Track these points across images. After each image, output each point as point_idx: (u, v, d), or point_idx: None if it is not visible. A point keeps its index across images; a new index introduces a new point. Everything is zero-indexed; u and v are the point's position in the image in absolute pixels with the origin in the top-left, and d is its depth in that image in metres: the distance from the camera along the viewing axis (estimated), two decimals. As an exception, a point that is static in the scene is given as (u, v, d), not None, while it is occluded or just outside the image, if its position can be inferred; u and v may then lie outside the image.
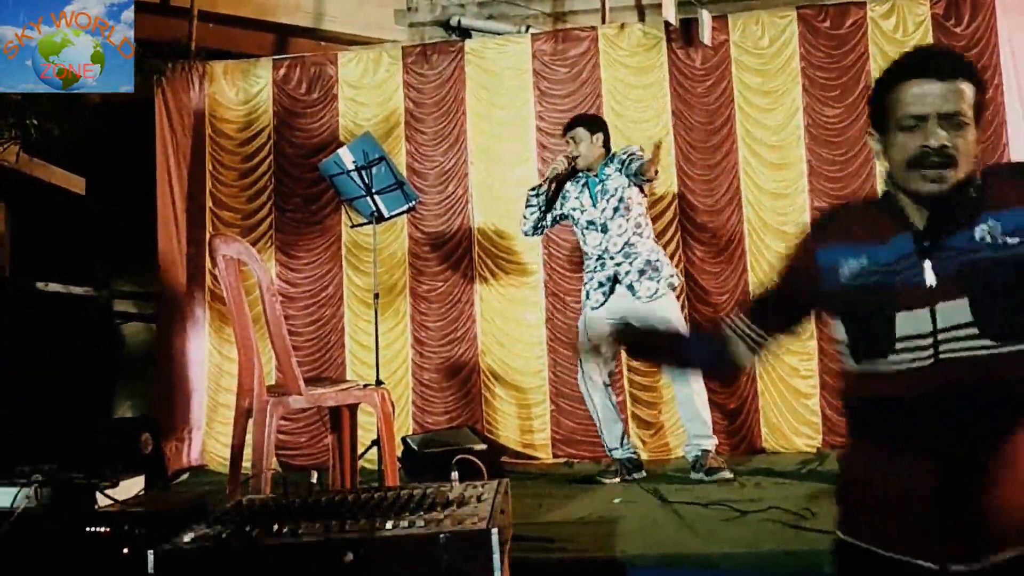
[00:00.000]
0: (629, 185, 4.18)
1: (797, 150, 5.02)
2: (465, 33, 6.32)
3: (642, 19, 6.04)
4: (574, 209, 4.30)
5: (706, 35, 5.03)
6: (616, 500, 3.72)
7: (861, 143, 4.97)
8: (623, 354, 4.95)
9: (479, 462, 2.89)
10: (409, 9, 6.65)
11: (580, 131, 4.28)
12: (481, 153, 5.30)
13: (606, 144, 4.30)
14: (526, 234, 4.43)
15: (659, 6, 5.25)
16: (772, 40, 5.11)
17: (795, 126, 5.05)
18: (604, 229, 4.19)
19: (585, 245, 4.30)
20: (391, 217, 4.51)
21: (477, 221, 5.27)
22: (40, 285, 5.38)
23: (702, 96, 5.14)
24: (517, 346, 5.19)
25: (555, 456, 5.02)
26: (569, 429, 5.04)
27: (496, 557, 1.65)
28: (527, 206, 4.34)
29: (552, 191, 4.32)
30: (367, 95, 5.44)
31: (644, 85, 5.17)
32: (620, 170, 4.17)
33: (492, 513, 1.77)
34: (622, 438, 4.30)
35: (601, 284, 4.20)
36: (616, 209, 4.18)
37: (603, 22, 5.56)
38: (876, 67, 5.01)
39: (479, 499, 1.91)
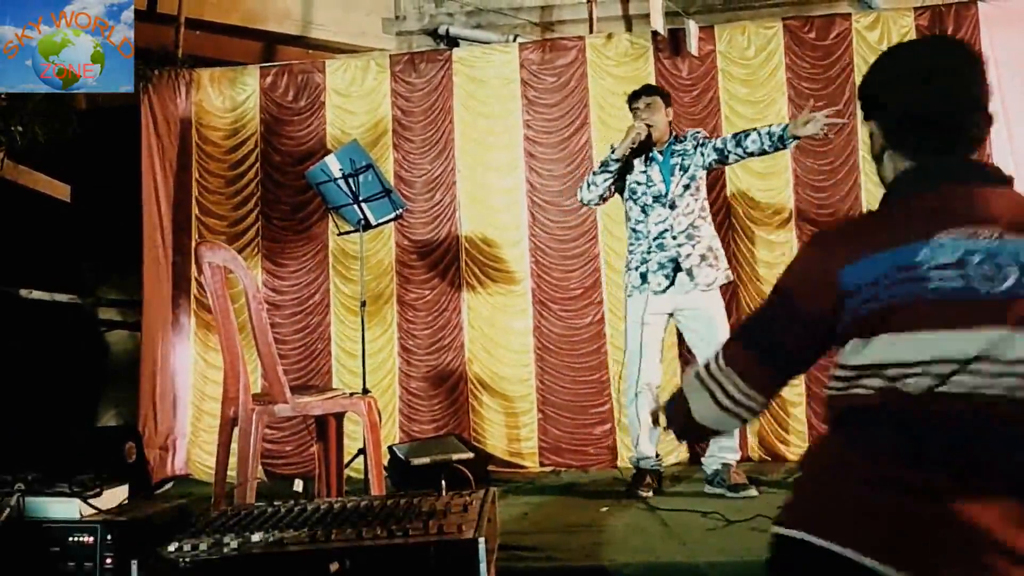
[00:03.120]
0: (702, 166, 4.01)
1: (783, 159, 5.05)
2: (453, 42, 6.34)
3: (629, 29, 6.08)
4: (638, 183, 4.04)
5: (693, 45, 5.06)
6: (603, 509, 3.72)
7: (847, 153, 5.01)
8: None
9: (466, 471, 2.89)
10: (397, 18, 6.66)
11: (656, 99, 4.08)
12: (469, 161, 5.31)
13: (670, 123, 4.13)
14: (588, 203, 4.16)
15: (646, 16, 5.29)
16: (758, 50, 5.15)
17: (781, 136, 5.07)
18: (672, 206, 3.97)
19: (642, 224, 4.04)
20: (378, 225, 4.50)
21: (465, 229, 5.27)
22: (24, 292, 5.34)
23: (689, 106, 5.17)
24: (504, 354, 5.19)
25: (542, 465, 5.02)
26: (556, 438, 5.04)
27: (483, 566, 1.64)
28: (601, 171, 4.04)
29: (628, 157, 4.03)
30: (355, 103, 5.44)
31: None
32: (696, 148, 4.00)
33: (479, 522, 1.76)
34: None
35: (662, 266, 3.96)
36: (687, 187, 3.99)
37: (591, 32, 5.58)
38: (860, 78, 5.04)
39: (466, 508, 1.91)
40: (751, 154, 3.97)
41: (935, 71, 1.36)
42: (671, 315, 4.06)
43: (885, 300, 1.24)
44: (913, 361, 1.22)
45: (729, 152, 3.98)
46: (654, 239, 3.99)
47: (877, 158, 1.43)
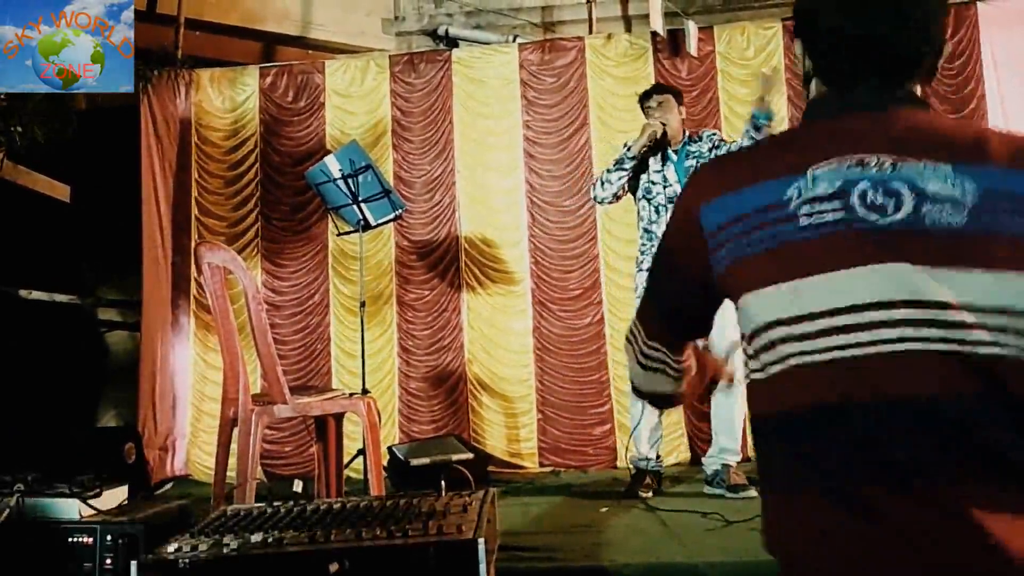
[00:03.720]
0: None
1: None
2: (452, 42, 6.34)
3: (629, 29, 6.08)
4: (653, 183, 4.01)
5: (692, 46, 5.06)
6: (603, 509, 3.72)
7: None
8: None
9: (466, 471, 2.89)
10: (397, 18, 6.66)
11: (669, 97, 4.05)
12: (468, 162, 5.31)
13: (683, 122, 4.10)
14: (602, 201, 4.10)
15: (646, 17, 5.29)
16: (758, 51, 5.15)
17: (780, 136, 5.08)
18: None
19: (655, 224, 3.99)
20: (378, 225, 4.50)
21: (464, 230, 5.27)
22: (23, 293, 5.34)
23: (688, 106, 5.14)
24: (504, 355, 5.19)
25: (542, 465, 5.02)
26: (556, 438, 5.04)
27: (483, 567, 1.64)
28: (616, 169, 3.99)
29: (644, 155, 3.99)
30: (354, 103, 5.44)
31: (631, 95, 5.15)
32: (711, 151, 3.96)
33: (479, 522, 1.76)
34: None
35: None
36: None
37: (590, 32, 5.59)
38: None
39: (465, 508, 1.91)
40: None
41: None
42: None
43: (744, 248, 1.03)
44: (799, 315, 0.99)
45: None
46: None
47: (805, 83, 1.24)
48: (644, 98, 4.16)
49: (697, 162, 3.96)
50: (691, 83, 5.18)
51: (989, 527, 0.90)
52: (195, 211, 5.43)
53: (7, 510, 2.52)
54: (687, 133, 4.12)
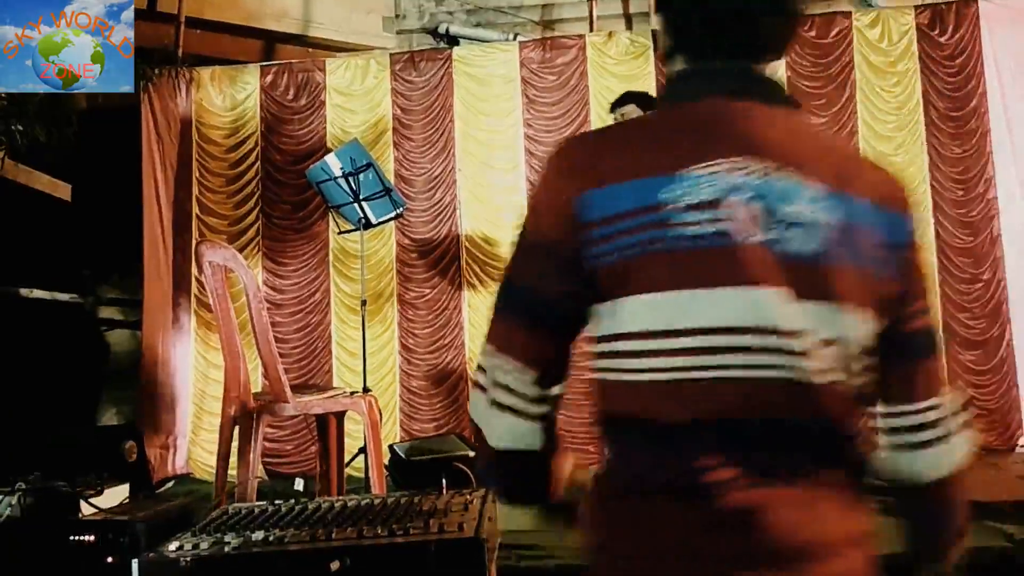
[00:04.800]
0: None
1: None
2: (453, 40, 6.34)
3: (630, 28, 6.07)
4: None
5: (693, 44, 5.05)
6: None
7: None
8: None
9: (467, 469, 2.89)
10: (397, 16, 6.65)
11: (633, 108, 4.01)
12: (469, 160, 5.31)
13: None
14: None
15: (647, 14, 5.29)
16: (758, 49, 5.14)
17: (781, 134, 5.07)
18: None
19: None
20: (379, 224, 4.50)
21: (465, 228, 5.27)
22: (25, 292, 5.34)
23: (689, 104, 5.16)
24: (505, 353, 5.18)
25: (543, 463, 5.01)
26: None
27: (484, 565, 1.64)
28: None
29: None
30: (355, 102, 5.44)
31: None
32: None
33: (480, 521, 1.76)
34: None
35: None
36: None
37: (591, 30, 5.58)
38: (861, 76, 5.05)
39: (466, 507, 1.91)
40: None
41: None
42: None
43: (632, 248, 0.96)
44: (658, 330, 0.96)
45: None
46: None
47: (663, 59, 1.12)
48: (611, 109, 4.21)
49: None
50: (692, 81, 5.17)
51: (800, 523, 0.94)
52: (196, 209, 5.43)
53: (9, 509, 2.53)
54: None
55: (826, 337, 0.95)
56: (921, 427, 1.04)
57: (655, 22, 1.15)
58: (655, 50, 5.18)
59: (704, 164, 0.96)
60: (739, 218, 0.94)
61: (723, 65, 1.03)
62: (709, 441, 0.95)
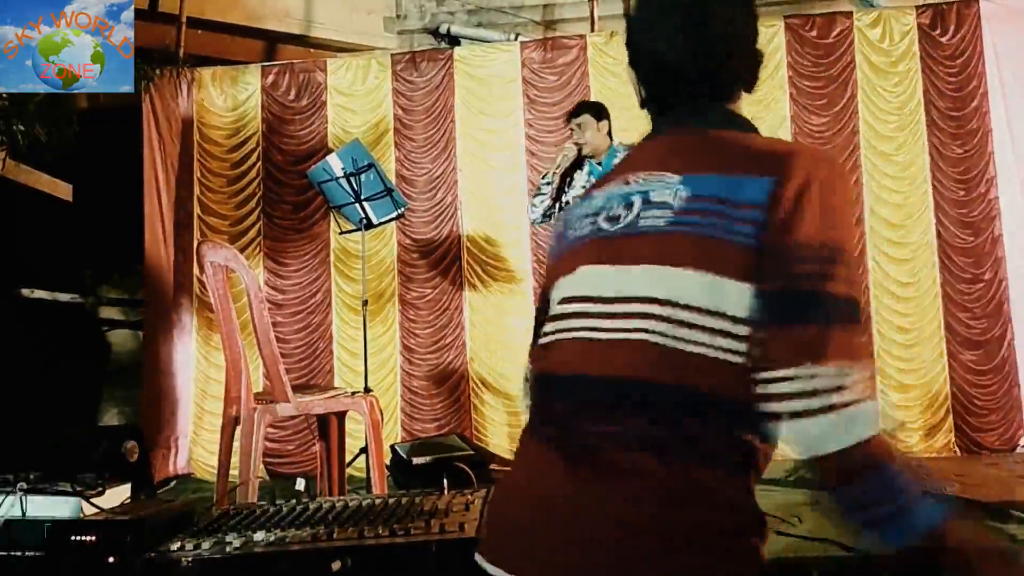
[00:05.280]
0: None
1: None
2: (454, 41, 6.34)
3: (631, 27, 6.06)
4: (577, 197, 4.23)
5: (694, 44, 5.05)
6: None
7: (848, 151, 5.00)
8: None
9: (468, 469, 2.88)
10: (398, 16, 6.66)
11: (586, 117, 4.19)
12: (470, 160, 5.31)
13: (610, 132, 4.25)
14: (535, 222, 4.34)
15: (647, 15, 5.27)
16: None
17: (782, 134, 5.07)
18: None
19: None
20: (380, 224, 4.50)
21: (466, 228, 5.27)
22: (26, 292, 5.35)
23: (690, 104, 5.17)
24: (506, 353, 5.19)
25: (544, 463, 5.01)
26: (558, 436, 5.04)
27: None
28: (538, 195, 4.26)
29: (561, 179, 4.23)
30: (356, 102, 5.44)
31: (632, 93, 5.17)
32: None
33: (481, 521, 1.76)
34: None
35: None
36: None
37: (592, 30, 5.58)
38: (863, 76, 5.05)
39: (468, 507, 1.91)
40: None
41: (658, 13, 1.21)
42: None
43: (553, 255, 1.26)
44: (559, 300, 1.18)
45: None
46: None
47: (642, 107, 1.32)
48: (566, 120, 4.34)
49: None
50: (693, 81, 5.17)
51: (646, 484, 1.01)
52: (197, 209, 5.43)
53: (10, 509, 2.53)
54: (618, 141, 4.24)
55: (677, 301, 1.04)
56: (795, 395, 1.00)
57: (630, 76, 1.32)
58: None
59: (605, 184, 1.20)
60: (614, 216, 1.14)
61: (673, 110, 1.22)
62: (569, 392, 1.10)
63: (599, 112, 4.28)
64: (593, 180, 4.15)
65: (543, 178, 4.28)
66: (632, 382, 1.04)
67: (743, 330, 1.02)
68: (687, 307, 1.03)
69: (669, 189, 1.10)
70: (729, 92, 1.21)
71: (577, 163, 4.21)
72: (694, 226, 1.05)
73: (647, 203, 1.11)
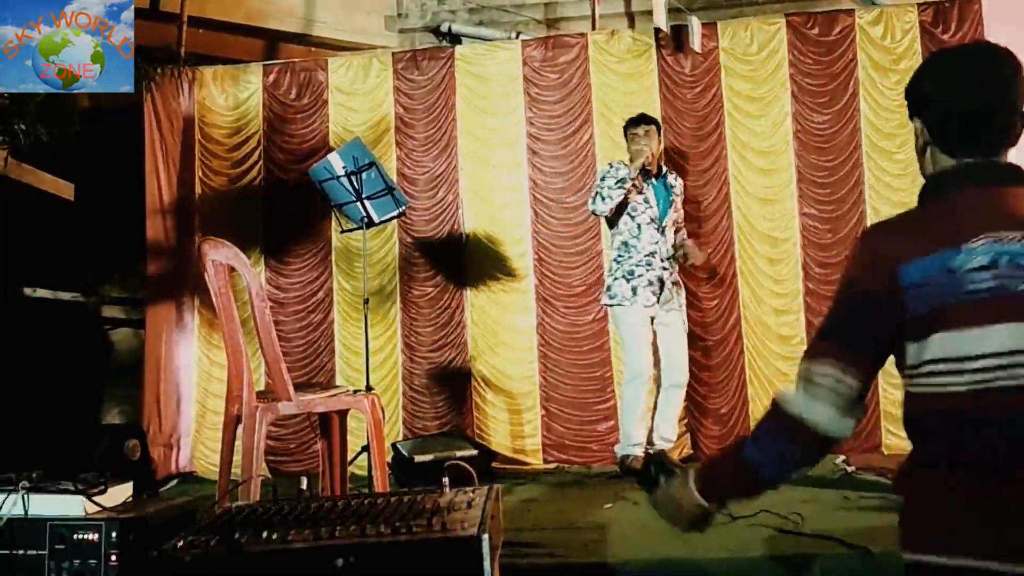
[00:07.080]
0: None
1: (786, 156, 5.05)
2: (455, 39, 6.34)
3: (632, 26, 6.07)
4: (638, 203, 4.42)
5: (696, 42, 5.05)
6: (606, 505, 3.72)
7: (850, 149, 5.00)
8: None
9: (470, 468, 2.89)
10: (399, 15, 6.65)
11: (653, 128, 4.46)
12: (471, 158, 5.31)
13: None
14: (601, 213, 4.45)
15: (649, 13, 5.28)
16: (761, 47, 5.14)
17: (784, 132, 5.08)
18: (663, 232, 4.43)
19: (636, 239, 4.42)
20: (381, 222, 4.50)
21: (468, 227, 5.27)
22: (28, 291, 5.35)
23: (692, 102, 5.17)
24: (508, 351, 5.19)
25: (546, 461, 5.02)
26: (560, 434, 5.04)
27: (487, 563, 1.64)
28: (618, 187, 4.35)
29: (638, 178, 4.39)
30: (357, 101, 5.44)
31: (634, 91, 5.18)
32: (679, 197, 4.58)
33: (483, 519, 1.76)
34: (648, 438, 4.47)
35: (651, 283, 4.36)
36: (674, 220, 4.52)
37: (593, 28, 5.58)
38: (864, 74, 5.04)
39: (469, 505, 1.91)
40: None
41: (985, 76, 1.44)
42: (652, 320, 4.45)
43: (936, 301, 1.36)
44: (961, 356, 1.34)
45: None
46: (645, 256, 4.37)
47: (920, 152, 1.53)
48: (632, 124, 4.51)
49: (677, 200, 4.53)
50: (694, 79, 5.17)
51: None
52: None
53: (12, 507, 2.53)
54: (662, 162, 4.56)
55: None
56: None
57: (916, 124, 1.52)
58: (658, 47, 5.18)
59: (977, 238, 1.35)
60: (1007, 275, 1.33)
61: (974, 161, 1.44)
62: (997, 431, 1.32)
63: (660, 128, 4.57)
64: (650, 189, 4.43)
65: (612, 172, 4.42)
66: None
67: None
68: None
69: None
70: (1010, 146, 1.47)
71: (645, 170, 4.42)
72: None
73: None
